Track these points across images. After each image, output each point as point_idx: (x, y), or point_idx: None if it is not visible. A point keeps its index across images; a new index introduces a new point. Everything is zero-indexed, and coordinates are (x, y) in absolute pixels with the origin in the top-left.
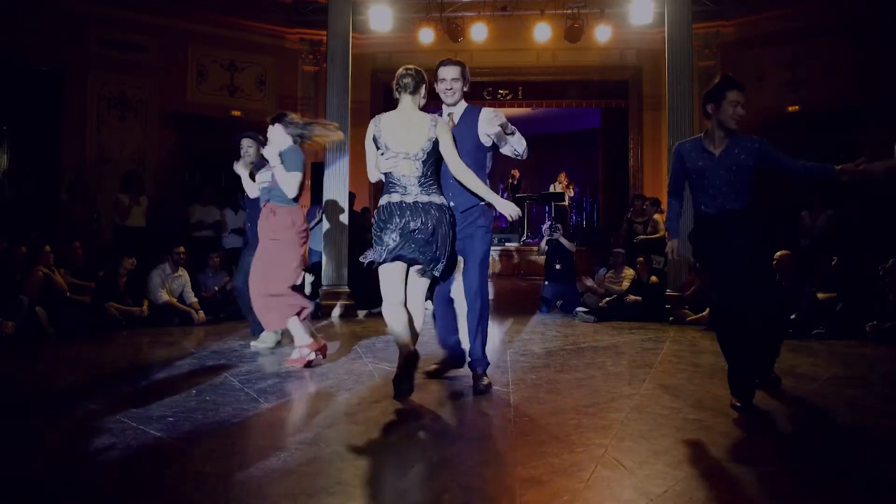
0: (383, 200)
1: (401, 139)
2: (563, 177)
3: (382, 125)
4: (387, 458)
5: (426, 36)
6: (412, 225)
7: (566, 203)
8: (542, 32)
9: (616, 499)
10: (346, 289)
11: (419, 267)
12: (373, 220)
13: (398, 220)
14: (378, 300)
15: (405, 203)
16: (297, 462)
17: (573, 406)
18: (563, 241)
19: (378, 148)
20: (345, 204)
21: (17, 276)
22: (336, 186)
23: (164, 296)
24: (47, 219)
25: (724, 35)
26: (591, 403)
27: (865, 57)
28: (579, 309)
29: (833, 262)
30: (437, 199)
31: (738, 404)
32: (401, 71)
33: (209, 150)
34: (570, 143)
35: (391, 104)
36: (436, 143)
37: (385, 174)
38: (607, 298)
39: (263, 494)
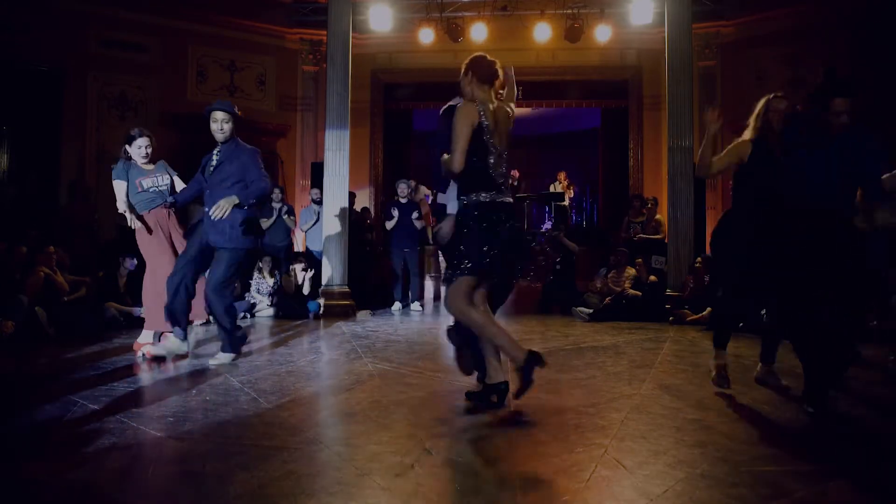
0: (485, 197)
1: (502, 134)
2: (562, 176)
3: (488, 112)
4: (387, 458)
5: (426, 36)
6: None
7: (566, 203)
8: (542, 32)
9: (616, 499)
10: (346, 289)
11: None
12: (472, 217)
13: (498, 221)
14: (377, 300)
15: (505, 202)
16: (297, 462)
17: (573, 406)
18: (565, 241)
19: (484, 136)
20: (344, 204)
21: (17, 276)
22: (336, 186)
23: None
24: (47, 219)
25: (724, 35)
26: (591, 403)
27: (865, 56)
28: (577, 308)
29: None
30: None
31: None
32: (487, 58)
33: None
34: (570, 143)
35: (391, 104)
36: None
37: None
38: (609, 297)
39: (263, 494)
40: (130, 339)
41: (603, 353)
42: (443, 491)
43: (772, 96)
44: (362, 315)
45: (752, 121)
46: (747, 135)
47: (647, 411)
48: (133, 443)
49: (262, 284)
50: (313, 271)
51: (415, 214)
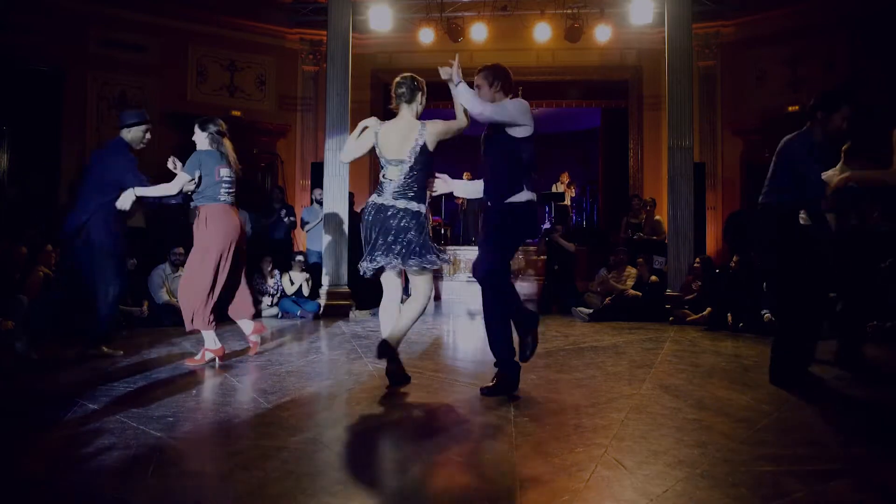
0: (369, 199)
1: (392, 148)
2: (565, 176)
3: (381, 132)
4: (387, 458)
5: (426, 36)
6: (379, 226)
7: (567, 203)
8: (542, 32)
9: (616, 499)
10: (346, 289)
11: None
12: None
13: (369, 219)
14: (377, 300)
15: (376, 203)
16: (297, 462)
17: (573, 406)
18: (561, 241)
19: (377, 151)
20: (344, 204)
21: (17, 276)
22: (336, 186)
23: (165, 296)
24: (47, 219)
25: (724, 35)
26: (591, 403)
27: (865, 56)
28: (577, 308)
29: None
30: (411, 205)
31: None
32: (397, 79)
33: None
34: (570, 143)
35: (391, 104)
36: (423, 149)
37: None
38: (609, 297)
39: (263, 494)
40: (130, 339)
41: (603, 353)
42: (442, 491)
43: None
44: (362, 315)
45: None
46: None
47: (647, 411)
48: (133, 443)
49: (262, 285)
50: (310, 278)
51: None
